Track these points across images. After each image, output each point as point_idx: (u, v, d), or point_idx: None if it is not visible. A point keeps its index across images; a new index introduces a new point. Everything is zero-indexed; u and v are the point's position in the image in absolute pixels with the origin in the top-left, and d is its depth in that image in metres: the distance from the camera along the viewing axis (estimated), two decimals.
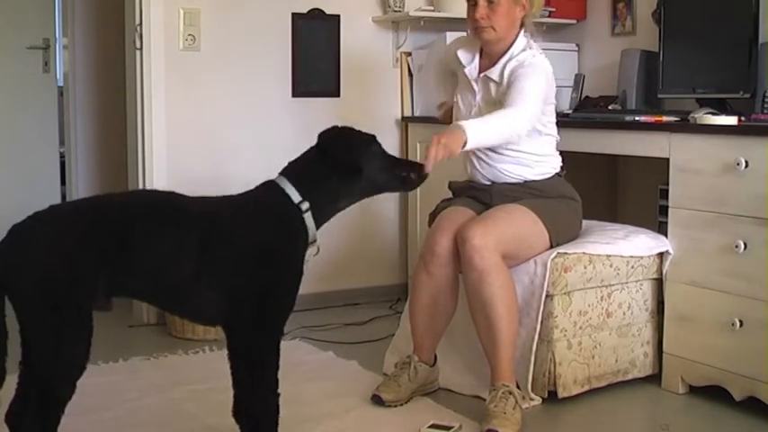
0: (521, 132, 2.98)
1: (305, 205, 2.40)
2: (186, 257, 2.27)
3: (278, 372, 2.40)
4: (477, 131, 2.86)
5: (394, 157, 2.60)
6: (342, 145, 2.48)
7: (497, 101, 3.08)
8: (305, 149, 2.53)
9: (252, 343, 2.36)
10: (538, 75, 3.02)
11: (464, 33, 4.07)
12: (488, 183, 3.16)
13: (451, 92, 3.35)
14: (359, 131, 2.54)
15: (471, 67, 3.19)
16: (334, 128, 2.56)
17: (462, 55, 3.22)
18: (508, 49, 3.10)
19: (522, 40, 3.11)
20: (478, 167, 3.17)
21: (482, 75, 3.14)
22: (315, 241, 2.43)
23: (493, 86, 3.11)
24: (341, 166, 2.45)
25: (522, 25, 3.13)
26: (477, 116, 3.12)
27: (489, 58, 3.16)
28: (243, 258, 2.32)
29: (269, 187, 2.45)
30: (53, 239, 2.16)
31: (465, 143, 2.82)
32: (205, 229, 2.31)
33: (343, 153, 2.45)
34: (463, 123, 2.88)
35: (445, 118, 3.39)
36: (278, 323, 2.39)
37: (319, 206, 2.43)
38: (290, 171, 2.47)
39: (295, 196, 2.40)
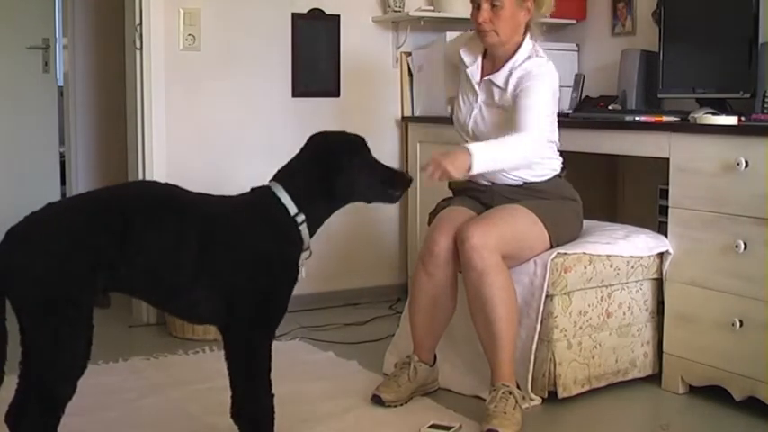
0: (531, 158, 2.99)
1: (300, 218, 2.43)
2: (185, 256, 2.27)
3: (270, 373, 2.42)
4: (485, 158, 2.83)
5: (381, 169, 2.56)
6: (333, 163, 2.47)
7: (500, 106, 3.07)
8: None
9: (246, 343, 2.39)
10: (545, 88, 2.99)
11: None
12: (489, 183, 3.15)
13: (458, 87, 3.30)
14: (347, 138, 2.54)
15: (474, 67, 3.17)
16: (324, 135, 2.56)
17: (465, 55, 3.20)
18: (513, 54, 3.06)
19: (527, 44, 3.07)
20: None
21: (485, 78, 3.12)
22: (308, 247, 2.47)
23: (496, 92, 3.09)
24: (333, 180, 2.46)
25: (527, 29, 3.09)
26: (478, 118, 3.12)
27: (492, 60, 3.14)
28: (243, 263, 2.33)
29: (265, 195, 2.45)
30: (48, 240, 2.16)
31: (470, 167, 2.80)
32: (205, 229, 2.32)
33: (334, 172, 2.46)
34: (471, 148, 2.83)
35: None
36: (272, 325, 2.42)
37: (314, 218, 2.46)
38: (286, 181, 2.46)
39: (291, 209, 2.42)
